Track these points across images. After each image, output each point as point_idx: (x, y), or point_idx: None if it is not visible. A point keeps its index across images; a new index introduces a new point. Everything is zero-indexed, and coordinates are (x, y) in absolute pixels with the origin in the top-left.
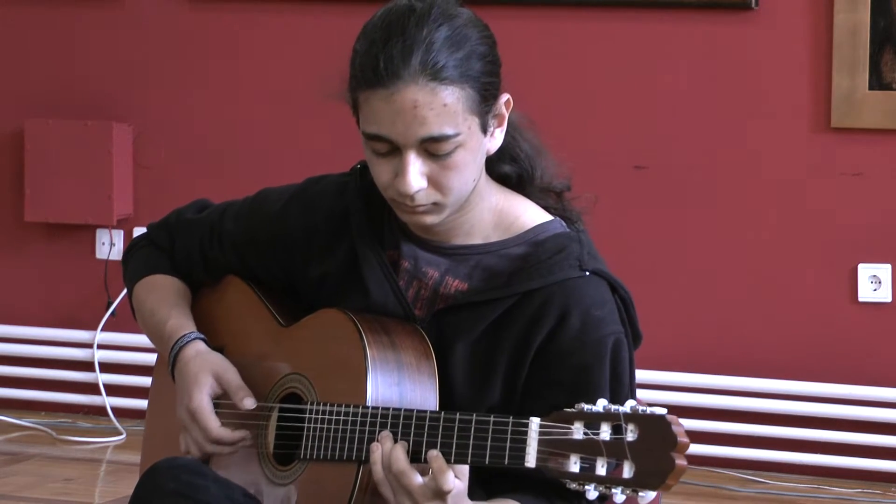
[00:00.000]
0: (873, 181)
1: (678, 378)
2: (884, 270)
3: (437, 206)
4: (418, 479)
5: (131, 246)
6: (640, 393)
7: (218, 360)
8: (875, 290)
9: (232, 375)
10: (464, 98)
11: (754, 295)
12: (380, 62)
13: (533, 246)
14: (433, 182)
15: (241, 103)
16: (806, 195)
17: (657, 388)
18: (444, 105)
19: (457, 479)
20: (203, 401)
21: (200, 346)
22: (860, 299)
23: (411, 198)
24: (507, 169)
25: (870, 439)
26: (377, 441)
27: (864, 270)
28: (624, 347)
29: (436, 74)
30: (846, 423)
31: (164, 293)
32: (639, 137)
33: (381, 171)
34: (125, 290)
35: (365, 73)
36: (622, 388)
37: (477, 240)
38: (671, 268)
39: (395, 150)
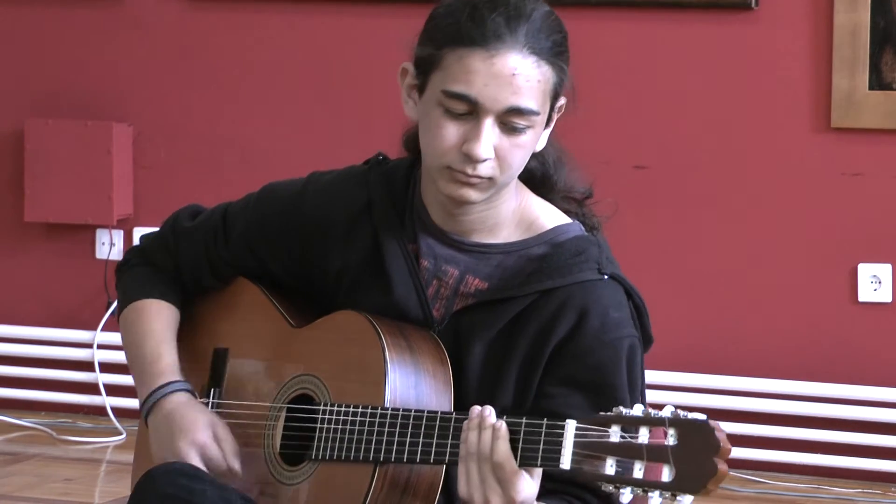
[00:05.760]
0: (873, 181)
1: (678, 378)
2: (884, 270)
3: (490, 182)
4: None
5: (123, 262)
6: None
7: (217, 420)
8: (875, 290)
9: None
10: (553, 81)
11: (754, 295)
12: (486, 22)
13: (552, 247)
14: (499, 156)
15: (241, 103)
16: (806, 195)
17: (657, 388)
18: (538, 81)
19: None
20: (220, 432)
21: (189, 396)
22: (860, 299)
23: (474, 166)
24: (532, 164)
25: (870, 439)
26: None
27: (864, 270)
28: (638, 352)
29: (536, 50)
30: (846, 424)
31: (151, 325)
32: (639, 137)
33: (447, 134)
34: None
35: (467, 30)
36: (634, 391)
37: (498, 238)
38: (671, 268)
39: (470, 115)
